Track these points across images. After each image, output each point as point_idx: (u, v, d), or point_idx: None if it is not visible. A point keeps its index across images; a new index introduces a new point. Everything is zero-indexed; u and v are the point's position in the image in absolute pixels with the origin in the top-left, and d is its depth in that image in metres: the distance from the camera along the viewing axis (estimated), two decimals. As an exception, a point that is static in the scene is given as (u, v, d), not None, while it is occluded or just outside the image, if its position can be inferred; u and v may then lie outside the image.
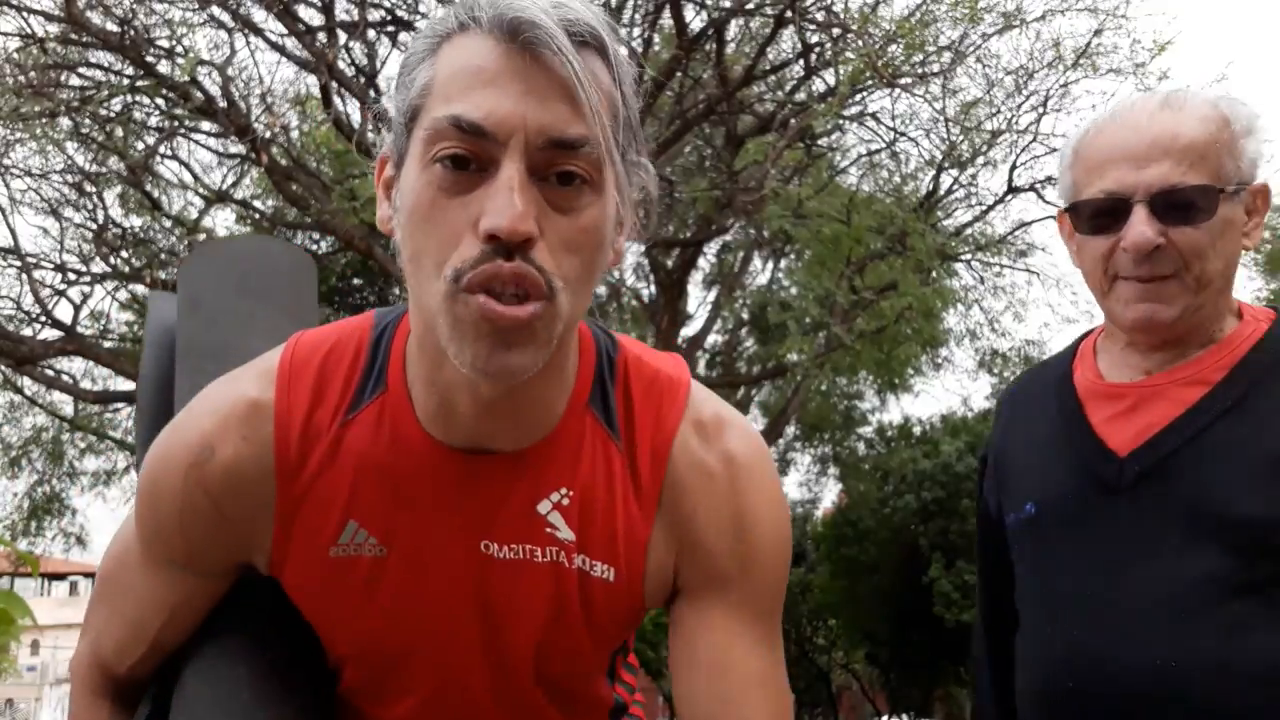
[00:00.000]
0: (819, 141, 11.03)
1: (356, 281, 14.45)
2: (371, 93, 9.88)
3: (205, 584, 0.94)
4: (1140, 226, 1.16)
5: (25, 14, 8.44)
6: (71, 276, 11.32)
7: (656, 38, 9.73)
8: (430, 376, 0.84)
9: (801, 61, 9.57)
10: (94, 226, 11.20)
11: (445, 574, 0.88)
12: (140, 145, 10.21)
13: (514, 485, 0.87)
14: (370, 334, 0.90)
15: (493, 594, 0.89)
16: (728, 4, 8.50)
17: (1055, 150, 11.09)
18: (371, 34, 9.78)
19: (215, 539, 0.90)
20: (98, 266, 11.50)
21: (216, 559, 0.92)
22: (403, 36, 10.85)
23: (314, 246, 13.34)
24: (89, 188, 10.86)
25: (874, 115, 10.63)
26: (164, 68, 8.90)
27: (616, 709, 1.08)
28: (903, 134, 10.70)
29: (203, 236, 10.96)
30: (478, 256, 0.73)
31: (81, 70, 9.25)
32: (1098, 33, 10.12)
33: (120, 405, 11.31)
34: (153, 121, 10.19)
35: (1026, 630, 1.28)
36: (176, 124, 10.12)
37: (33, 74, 8.54)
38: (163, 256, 11.36)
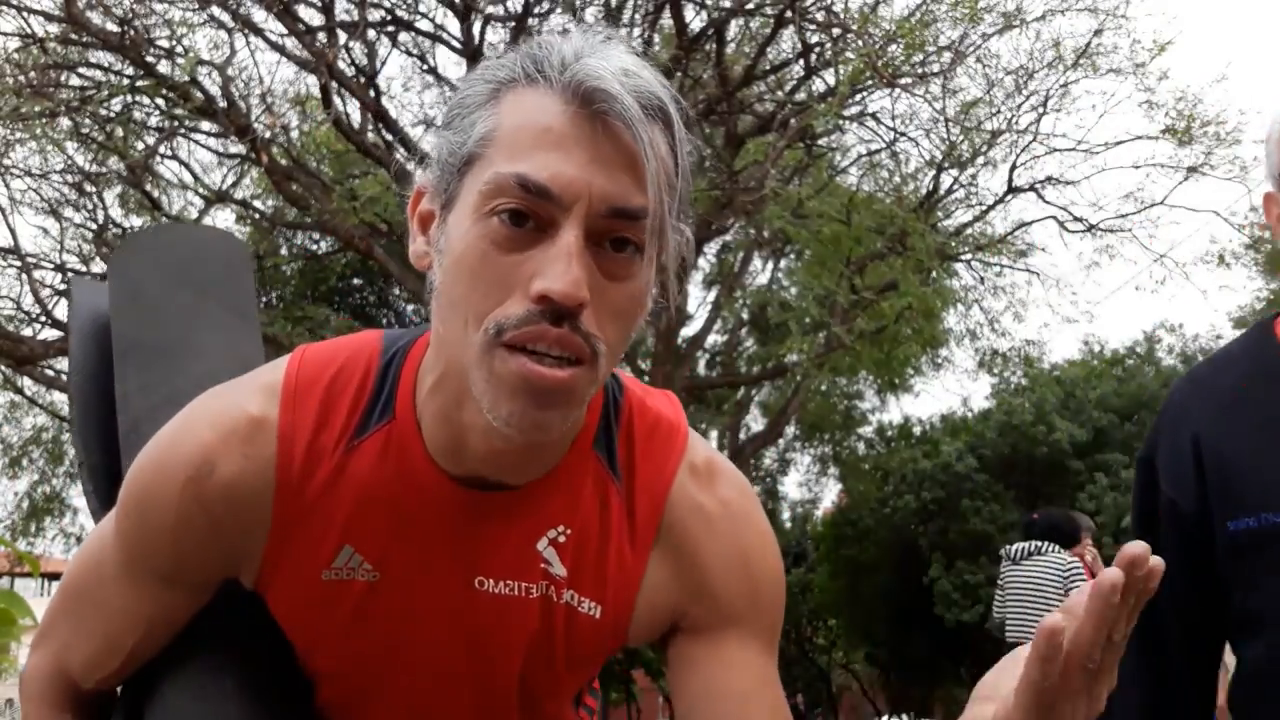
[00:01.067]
0: (819, 141, 11.02)
1: (356, 281, 14.45)
2: (371, 92, 9.89)
3: (187, 597, 0.93)
4: None
5: (25, 14, 8.44)
6: (71, 276, 11.32)
7: (656, 38, 9.73)
8: (446, 414, 0.83)
9: (801, 61, 9.58)
10: (94, 226, 11.21)
11: (435, 604, 0.88)
12: (140, 145, 10.21)
13: (515, 522, 0.87)
14: (379, 358, 0.90)
15: (480, 626, 0.89)
16: (728, 4, 8.50)
17: (1055, 150, 11.10)
18: (371, 34, 9.78)
19: (206, 554, 0.89)
20: (98, 266, 11.50)
21: (203, 573, 0.91)
22: (403, 36, 10.86)
23: (314, 246, 13.34)
24: (89, 188, 10.86)
25: (874, 115, 10.64)
26: (164, 68, 8.90)
27: None
28: (903, 134, 10.70)
29: (203, 236, 10.96)
30: (523, 316, 0.74)
31: (81, 70, 9.26)
32: (1098, 33, 10.12)
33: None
34: (153, 121, 10.19)
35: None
36: (176, 124, 10.12)
37: (33, 74, 8.55)
38: (163, 256, 11.34)
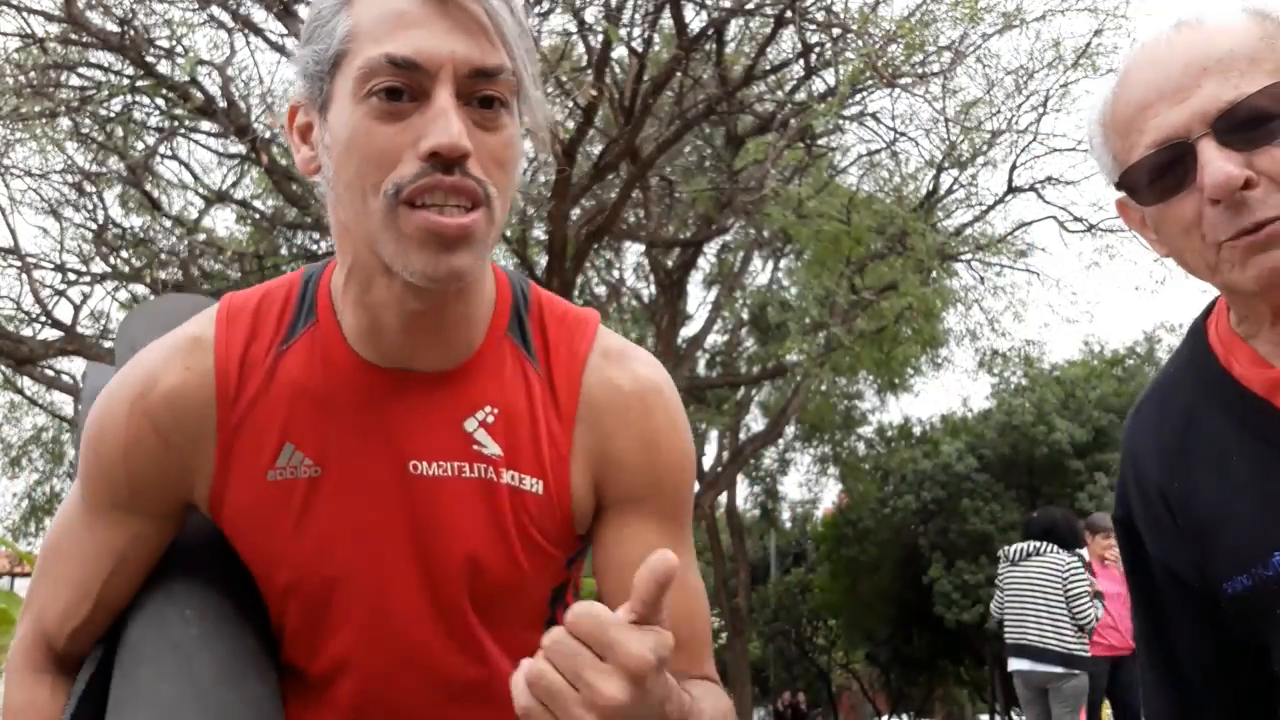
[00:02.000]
0: (819, 141, 11.02)
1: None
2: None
3: (148, 527, 0.97)
4: (1216, 164, 0.90)
5: (25, 14, 8.44)
6: (71, 276, 11.32)
7: (656, 38, 9.72)
8: (359, 299, 0.90)
9: (801, 61, 9.57)
10: (94, 226, 11.20)
11: (377, 492, 0.93)
12: (140, 145, 10.21)
13: (440, 403, 0.93)
14: (300, 280, 0.99)
15: (423, 511, 0.93)
16: (728, 4, 8.49)
17: (1055, 150, 11.10)
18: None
19: (160, 470, 0.94)
20: (98, 266, 11.50)
21: (160, 495, 0.95)
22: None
23: (314, 246, 13.34)
24: (89, 188, 10.86)
25: (874, 115, 10.63)
26: (164, 68, 8.90)
27: None
28: (903, 134, 10.70)
29: (202, 236, 10.96)
30: (417, 172, 0.81)
31: (81, 70, 9.25)
32: (1098, 33, 10.12)
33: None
34: (153, 121, 10.19)
35: None
36: (176, 124, 10.12)
37: (33, 74, 8.54)
38: (163, 256, 11.35)
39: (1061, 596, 5.35)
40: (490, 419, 0.94)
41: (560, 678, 0.66)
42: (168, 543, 0.99)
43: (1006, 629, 5.51)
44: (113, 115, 9.28)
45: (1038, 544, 5.51)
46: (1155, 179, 0.95)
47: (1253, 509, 0.97)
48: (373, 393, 0.92)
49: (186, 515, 1.00)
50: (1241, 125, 0.91)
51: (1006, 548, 5.75)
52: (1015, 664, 5.45)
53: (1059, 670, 5.27)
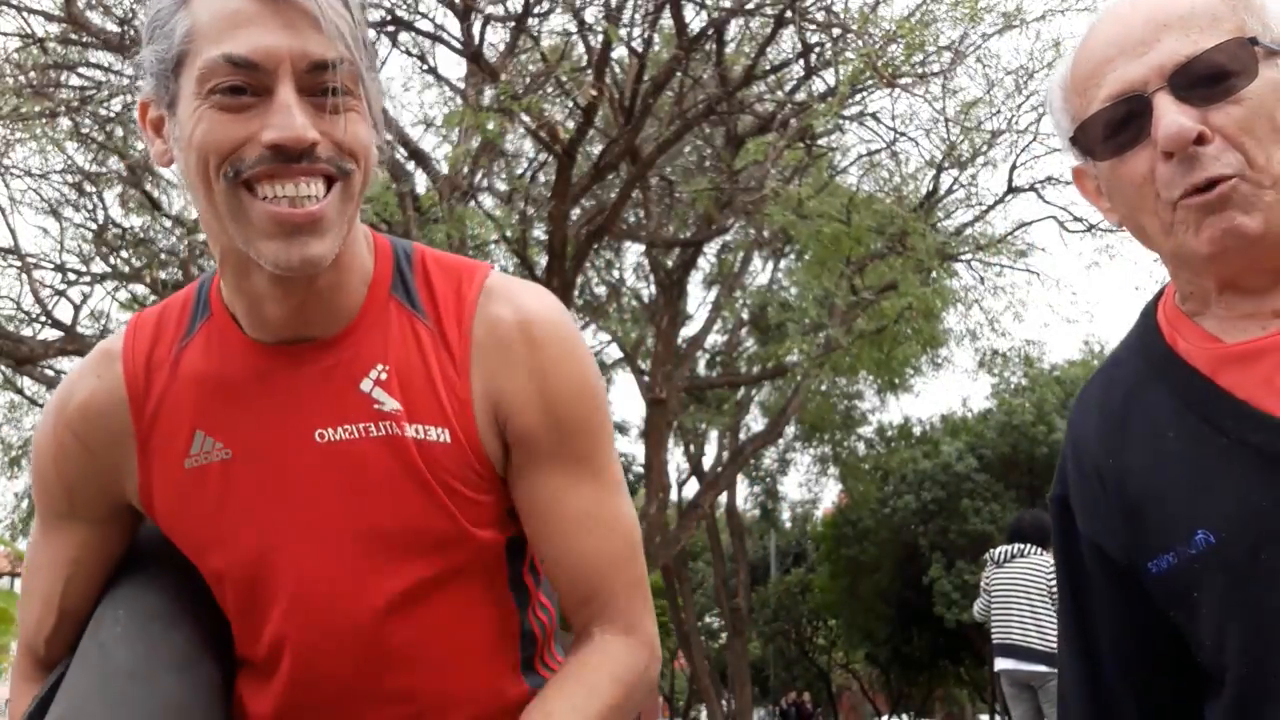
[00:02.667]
0: (819, 141, 11.02)
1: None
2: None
3: (93, 533, 1.03)
4: (1170, 116, 0.89)
5: (25, 14, 8.44)
6: (71, 276, 11.32)
7: (656, 38, 9.72)
8: (237, 285, 0.94)
9: (801, 61, 9.57)
10: (94, 226, 11.21)
11: (289, 465, 0.95)
12: (140, 145, 10.21)
13: (332, 368, 0.95)
14: (198, 282, 1.04)
15: (338, 477, 0.95)
16: (728, 4, 8.49)
17: (1055, 150, 11.10)
18: (371, 34, 9.77)
19: (88, 476, 1.00)
20: (98, 266, 11.50)
21: (94, 499, 1.02)
22: (402, 36, 10.85)
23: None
24: (89, 188, 10.86)
25: (874, 115, 10.64)
26: (164, 68, 8.90)
27: (527, 637, 1.06)
28: (903, 134, 10.70)
29: (202, 236, 10.95)
30: (259, 157, 0.84)
31: (81, 70, 9.26)
32: (1098, 33, 10.12)
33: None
34: (153, 121, 10.18)
35: (1249, 685, 0.91)
36: (176, 124, 10.12)
37: (33, 74, 8.55)
38: (163, 256, 11.35)
39: (1045, 597, 5.43)
40: (384, 375, 0.95)
41: None
42: (118, 548, 1.06)
43: (993, 629, 5.59)
44: (113, 115, 9.28)
45: (1022, 546, 5.59)
46: (1110, 134, 0.94)
47: (1183, 486, 0.94)
48: (269, 370, 0.96)
49: (133, 520, 1.06)
50: (1199, 81, 0.89)
51: (992, 550, 5.83)
52: (1001, 663, 5.54)
53: (1043, 669, 5.34)
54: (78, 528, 1.03)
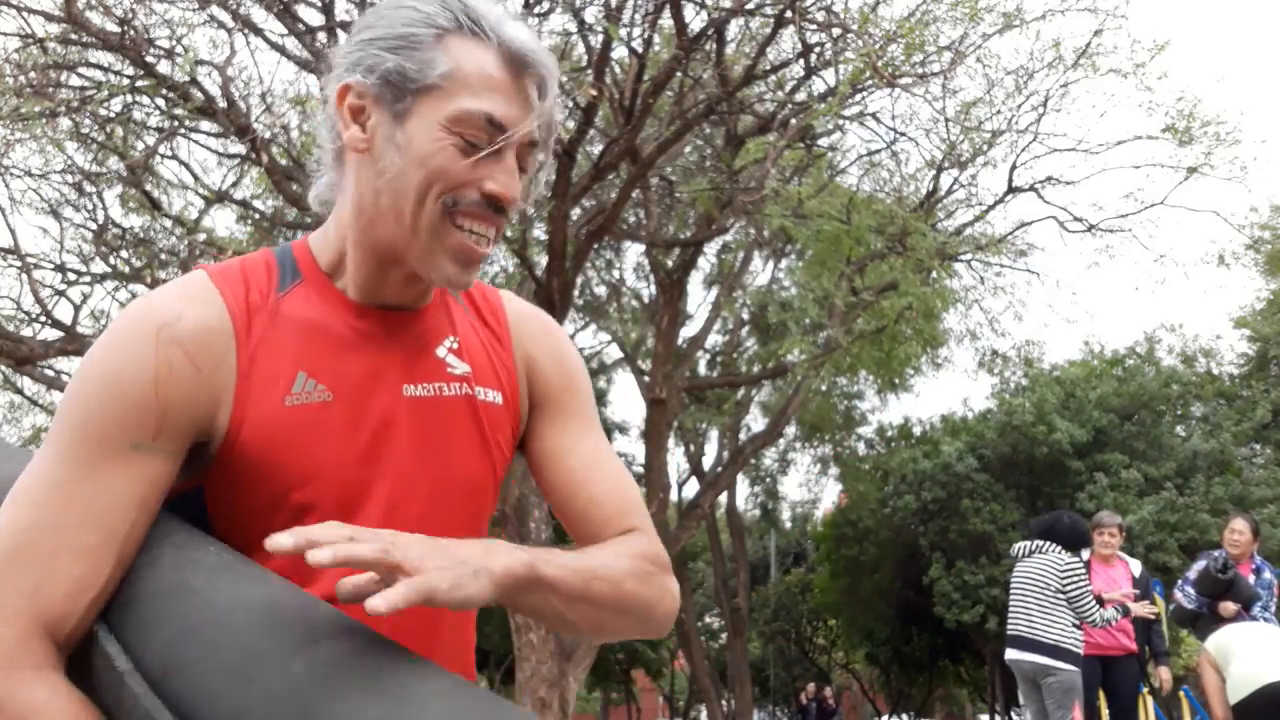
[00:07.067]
0: (819, 141, 11.02)
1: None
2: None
3: (165, 469, 0.99)
4: None
5: (25, 14, 8.44)
6: (71, 276, 11.32)
7: (656, 38, 9.72)
8: (371, 265, 1.08)
9: (801, 61, 9.57)
10: (94, 226, 11.21)
11: (382, 414, 1.06)
12: (140, 145, 10.21)
13: (420, 336, 1.12)
14: (270, 252, 1.13)
15: (422, 429, 1.08)
16: (728, 4, 8.49)
17: (1055, 150, 11.12)
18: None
19: (191, 397, 0.99)
20: (98, 266, 11.50)
21: (186, 426, 1.00)
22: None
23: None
24: (89, 188, 10.86)
25: (874, 115, 10.64)
26: (164, 68, 8.90)
27: None
28: (903, 134, 10.71)
29: (202, 236, 10.96)
30: (475, 201, 1.03)
31: (81, 70, 9.25)
32: (1098, 33, 10.13)
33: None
34: (153, 121, 10.19)
35: None
36: (176, 124, 10.12)
37: (33, 74, 8.54)
38: (163, 256, 11.35)
39: (1056, 592, 5.49)
40: (455, 345, 1.14)
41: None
42: (168, 490, 1.01)
43: (1007, 622, 5.71)
44: (113, 115, 9.28)
45: (1041, 543, 5.69)
46: None
47: None
48: (367, 330, 1.08)
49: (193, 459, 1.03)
50: None
51: (1015, 545, 5.93)
52: (1008, 654, 5.65)
53: (1045, 661, 5.40)
54: (152, 462, 0.97)
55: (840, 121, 10.59)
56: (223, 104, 8.89)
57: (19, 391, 11.89)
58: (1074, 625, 5.48)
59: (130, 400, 0.96)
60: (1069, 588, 5.48)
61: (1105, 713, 6.07)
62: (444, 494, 1.09)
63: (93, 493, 0.94)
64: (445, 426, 1.10)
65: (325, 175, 1.12)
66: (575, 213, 10.25)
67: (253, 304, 1.05)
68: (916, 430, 21.25)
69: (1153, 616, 6.05)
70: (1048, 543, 5.66)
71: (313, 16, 9.40)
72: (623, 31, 8.72)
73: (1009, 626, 5.66)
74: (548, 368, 1.20)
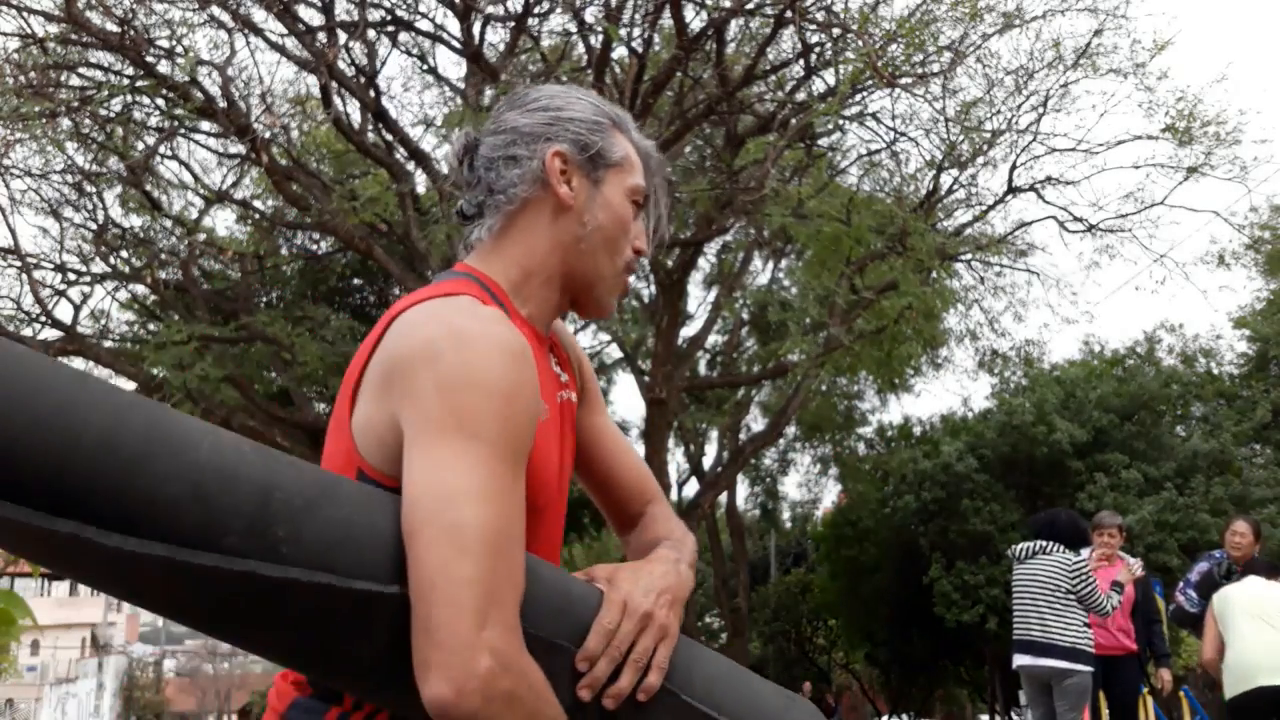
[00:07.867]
0: (819, 141, 11.03)
1: (356, 281, 14.45)
2: (371, 93, 9.88)
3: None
4: None
5: (25, 14, 8.44)
6: (71, 276, 11.32)
7: (656, 38, 9.72)
8: (546, 295, 1.31)
9: (801, 61, 9.57)
10: (94, 226, 11.21)
11: (560, 422, 1.28)
12: (140, 145, 10.22)
13: (548, 351, 1.33)
14: (469, 284, 1.26)
15: (565, 429, 1.30)
16: (728, 4, 8.49)
17: (1055, 150, 11.10)
18: (371, 34, 9.78)
19: (535, 415, 1.14)
20: (98, 266, 11.50)
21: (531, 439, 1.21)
22: (402, 36, 10.85)
23: (314, 246, 13.34)
24: (89, 188, 10.86)
25: (874, 115, 10.64)
26: (164, 68, 8.90)
27: None
28: (903, 134, 10.70)
29: (202, 236, 10.95)
30: (630, 259, 1.34)
31: (81, 70, 9.26)
32: (1098, 33, 10.13)
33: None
34: (153, 121, 10.19)
35: None
36: (176, 124, 10.12)
37: (33, 74, 8.55)
38: (163, 256, 11.35)
39: (1066, 593, 5.40)
40: (555, 358, 1.36)
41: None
42: None
43: (1013, 626, 5.56)
44: (113, 115, 9.28)
45: (1044, 543, 5.56)
46: None
47: None
48: (539, 349, 1.28)
49: None
50: None
51: (1015, 547, 5.79)
52: (1019, 660, 5.50)
53: (1062, 665, 5.30)
54: (523, 469, 1.11)
55: (840, 121, 10.60)
56: (223, 104, 8.89)
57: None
58: (1085, 625, 5.40)
59: (514, 415, 1.09)
60: (1079, 587, 5.38)
61: (1106, 713, 6.07)
62: (565, 483, 1.33)
63: (514, 498, 1.07)
64: (570, 425, 1.33)
65: (494, 218, 1.29)
66: (575, 213, 10.24)
67: None
68: (916, 430, 21.25)
69: (1140, 573, 6.03)
70: (1051, 543, 5.56)
71: (313, 16, 9.40)
72: (623, 32, 8.72)
73: (1016, 631, 5.52)
74: (580, 360, 1.45)
